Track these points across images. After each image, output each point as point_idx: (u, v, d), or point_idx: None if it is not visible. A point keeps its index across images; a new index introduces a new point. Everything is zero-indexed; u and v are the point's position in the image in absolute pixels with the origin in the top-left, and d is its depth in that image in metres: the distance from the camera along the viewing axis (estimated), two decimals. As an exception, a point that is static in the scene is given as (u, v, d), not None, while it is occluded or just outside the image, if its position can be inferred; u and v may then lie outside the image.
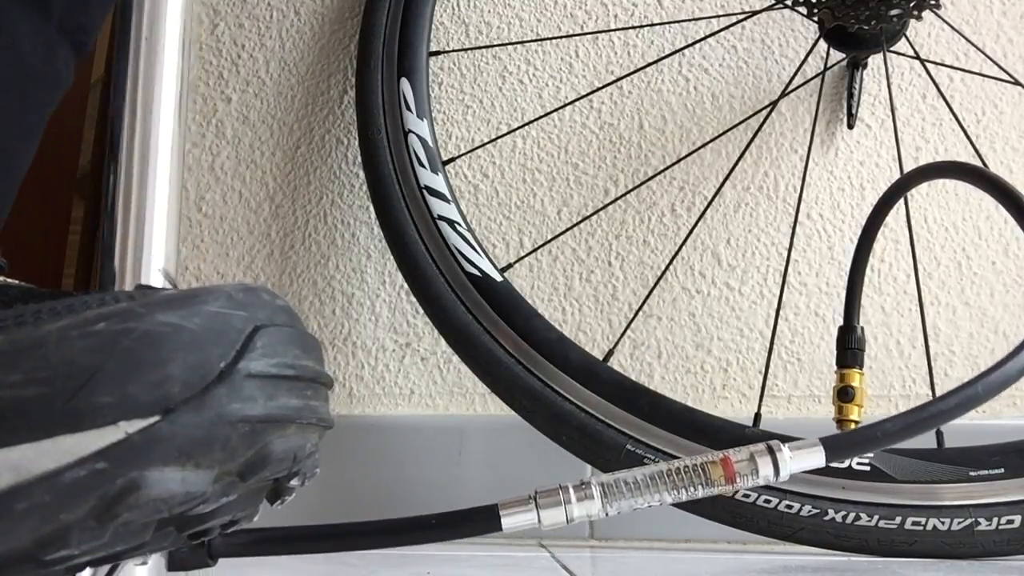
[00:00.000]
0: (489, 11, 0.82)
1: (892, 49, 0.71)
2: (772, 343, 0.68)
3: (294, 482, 0.32)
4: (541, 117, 0.79)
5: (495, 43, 0.82)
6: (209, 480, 0.27)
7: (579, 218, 0.78)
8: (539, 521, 0.41)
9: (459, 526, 0.42)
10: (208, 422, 0.27)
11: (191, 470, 0.26)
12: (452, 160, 0.76)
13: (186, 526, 0.29)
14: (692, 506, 0.59)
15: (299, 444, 0.30)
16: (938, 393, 0.64)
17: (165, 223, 0.57)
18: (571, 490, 0.41)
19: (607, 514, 0.41)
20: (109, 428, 0.26)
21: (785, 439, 0.57)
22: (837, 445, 0.42)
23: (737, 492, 0.57)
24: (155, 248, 0.56)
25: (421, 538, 0.43)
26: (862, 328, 0.59)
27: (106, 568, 0.41)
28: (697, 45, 0.79)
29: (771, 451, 0.41)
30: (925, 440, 0.50)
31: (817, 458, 0.42)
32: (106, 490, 0.26)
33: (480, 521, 0.42)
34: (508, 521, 0.41)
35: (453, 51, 0.82)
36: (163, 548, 0.30)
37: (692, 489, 0.41)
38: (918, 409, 0.43)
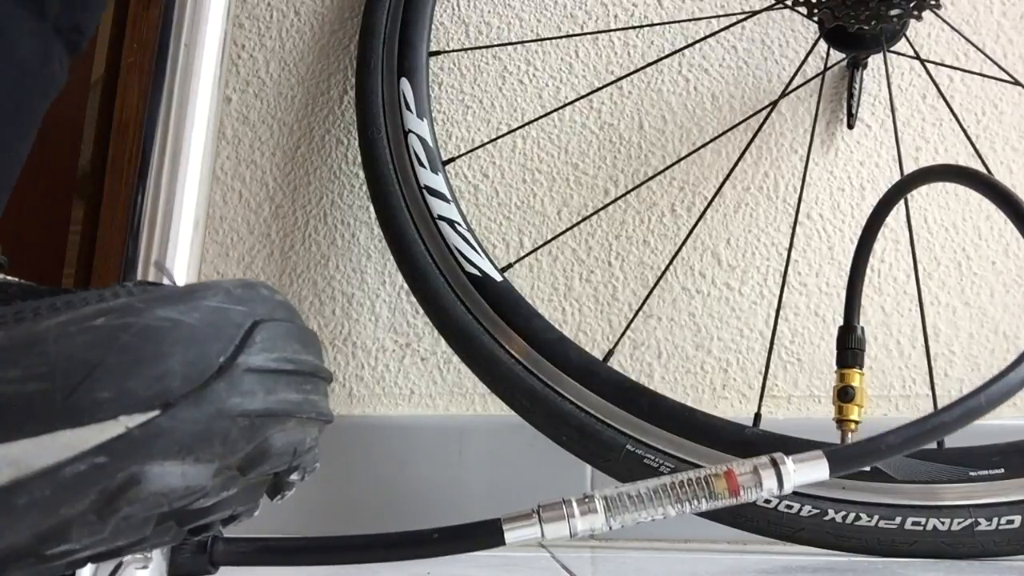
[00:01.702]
0: (489, 11, 0.82)
1: (892, 49, 0.71)
2: (772, 343, 0.68)
3: (294, 476, 0.32)
4: (541, 117, 0.79)
5: (495, 43, 0.82)
6: (209, 474, 0.27)
7: (579, 218, 0.78)
8: (542, 535, 0.41)
9: (462, 540, 0.43)
10: (208, 416, 0.27)
11: (191, 464, 0.26)
12: (452, 160, 0.76)
13: (187, 520, 0.29)
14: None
15: (299, 438, 0.30)
16: (938, 393, 0.65)
17: (190, 242, 0.57)
18: (574, 504, 0.41)
19: (611, 527, 0.41)
20: (109, 423, 0.26)
21: (785, 439, 0.58)
22: (840, 457, 0.42)
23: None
24: (178, 266, 0.56)
25: (424, 552, 0.43)
26: (862, 328, 0.59)
27: (108, 569, 0.41)
28: (697, 45, 0.79)
29: (775, 464, 0.41)
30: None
31: (821, 470, 0.42)
32: (106, 484, 0.26)
33: (483, 535, 0.42)
34: (511, 535, 0.41)
35: (453, 51, 0.82)
36: (164, 543, 0.30)
37: (696, 502, 0.41)
38: (921, 421, 0.43)
